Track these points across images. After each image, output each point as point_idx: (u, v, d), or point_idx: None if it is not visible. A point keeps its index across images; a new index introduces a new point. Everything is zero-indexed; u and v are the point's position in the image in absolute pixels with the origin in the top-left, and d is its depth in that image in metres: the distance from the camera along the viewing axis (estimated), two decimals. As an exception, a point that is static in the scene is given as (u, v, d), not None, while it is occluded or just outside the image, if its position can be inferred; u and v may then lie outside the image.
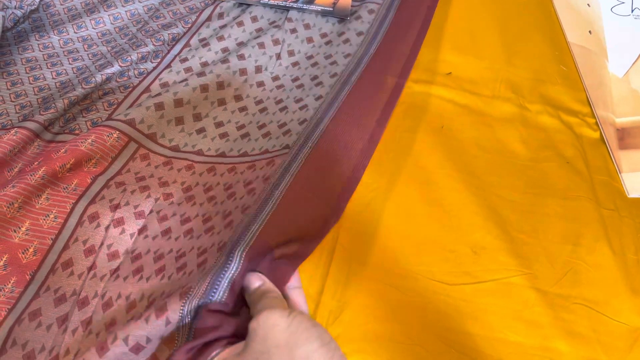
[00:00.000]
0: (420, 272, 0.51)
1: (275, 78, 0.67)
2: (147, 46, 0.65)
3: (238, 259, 0.41)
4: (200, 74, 0.64)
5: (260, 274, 0.42)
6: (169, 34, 0.67)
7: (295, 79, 0.67)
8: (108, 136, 0.55)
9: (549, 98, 0.67)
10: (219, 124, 0.61)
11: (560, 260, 0.52)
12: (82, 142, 0.54)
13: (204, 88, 0.63)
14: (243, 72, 0.65)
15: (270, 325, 0.34)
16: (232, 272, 0.41)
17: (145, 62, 0.65)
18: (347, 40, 0.71)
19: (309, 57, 0.70)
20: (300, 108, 0.63)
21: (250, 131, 0.61)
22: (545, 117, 0.65)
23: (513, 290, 0.50)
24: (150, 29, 0.67)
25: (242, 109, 0.63)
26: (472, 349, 0.47)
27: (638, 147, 0.62)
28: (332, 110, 0.60)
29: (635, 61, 0.70)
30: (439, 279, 0.51)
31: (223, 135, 0.60)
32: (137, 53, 0.64)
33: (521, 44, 0.73)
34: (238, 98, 0.64)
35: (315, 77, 0.67)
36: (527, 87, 0.68)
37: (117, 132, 0.56)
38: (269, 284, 0.41)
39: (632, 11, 0.76)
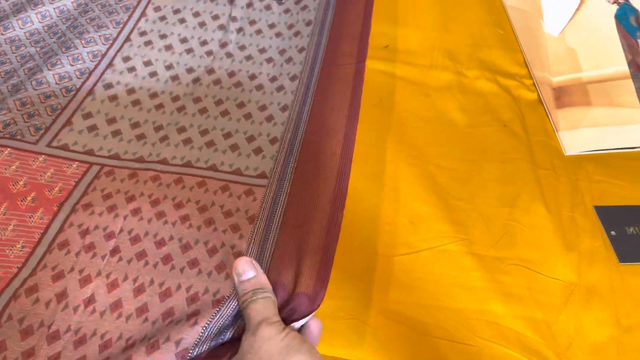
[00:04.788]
0: (360, 247, 0.52)
1: (231, 74, 0.66)
2: (77, 48, 0.64)
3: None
4: (153, 96, 0.62)
5: (253, 261, 0.44)
6: (100, 35, 0.66)
7: (253, 77, 0.65)
8: (67, 167, 0.54)
9: (486, 63, 0.67)
10: (181, 129, 0.60)
11: (497, 224, 0.53)
12: (41, 176, 0.53)
13: (159, 106, 0.61)
14: (196, 80, 0.64)
15: (266, 338, 0.38)
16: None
17: (84, 62, 0.64)
18: (297, 33, 0.70)
19: (262, 51, 0.68)
20: (267, 119, 0.61)
21: (215, 139, 0.59)
22: (483, 82, 0.65)
23: (450, 257, 0.51)
24: (79, 24, 0.66)
25: (202, 111, 0.62)
26: (410, 318, 0.47)
27: (574, 104, 0.63)
28: (302, 128, 0.59)
29: (571, 19, 0.70)
30: (378, 252, 0.51)
31: (187, 142, 0.58)
32: (68, 56, 0.63)
33: (458, 10, 0.73)
34: (197, 100, 0.63)
35: (274, 79, 0.65)
36: (464, 54, 0.68)
37: (77, 162, 0.55)
38: (262, 277, 0.43)
39: (568, -32, 0.75)
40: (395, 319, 0.47)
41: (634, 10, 0.71)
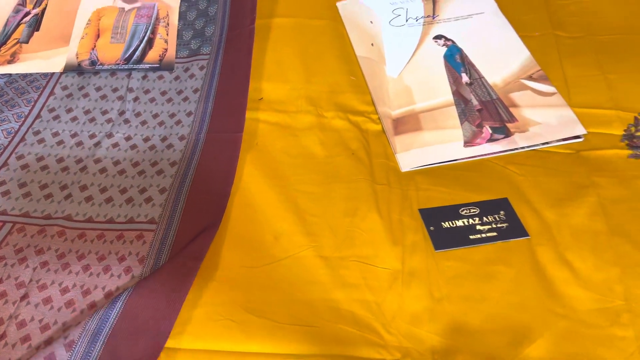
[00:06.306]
0: (231, 262, 0.64)
1: (128, 138, 0.78)
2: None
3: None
4: (59, 160, 0.73)
5: None
6: (13, 114, 0.78)
7: (147, 139, 0.77)
8: None
9: (340, 105, 0.82)
10: (83, 187, 0.71)
11: (341, 231, 0.66)
12: None
13: (65, 168, 0.73)
14: (97, 144, 0.76)
15: None
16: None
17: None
18: (186, 99, 0.83)
19: (155, 116, 0.81)
20: (157, 173, 0.72)
21: (112, 195, 0.70)
22: (338, 121, 0.80)
23: (303, 261, 0.63)
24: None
25: (102, 170, 0.73)
26: (271, 312, 0.59)
27: (409, 131, 0.78)
28: (189, 179, 0.71)
29: (408, 62, 0.86)
30: (246, 264, 0.63)
31: (88, 199, 0.70)
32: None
33: (318, 64, 0.88)
34: (97, 161, 0.75)
35: (165, 139, 0.77)
36: (323, 99, 0.83)
37: None
38: None
39: (407, 20, 0.92)
40: (260, 315, 0.59)
41: (459, 49, 0.88)
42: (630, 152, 0.74)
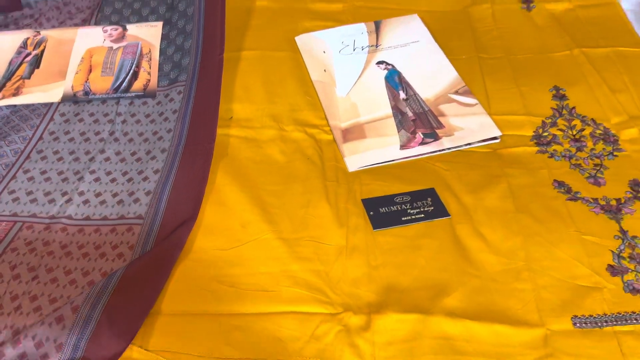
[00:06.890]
0: (205, 247, 0.77)
1: (118, 153, 0.92)
2: (2, 147, 0.90)
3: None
4: (60, 173, 0.87)
5: None
6: (19, 137, 0.92)
7: (134, 153, 0.91)
8: None
9: (299, 120, 0.97)
10: (81, 193, 0.85)
11: (297, 218, 0.80)
12: None
13: (65, 179, 0.87)
14: (92, 159, 0.89)
15: None
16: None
17: (8, 157, 0.89)
18: (166, 119, 0.98)
19: (140, 134, 0.95)
20: (144, 179, 0.87)
21: (106, 199, 0.84)
22: (296, 133, 0.94)
23: (265, 243, 0.77)
24: (4, 131, 0.93)
25: (97, 179, 0.88)
26: (239, 283, 0.73)
27: (355, 139, 0.93)
28: (169, 184, 0.85)
29: (355, 84, 1.02)
30: (218, 247, 0.77)
31: (86, 202, 0.84)
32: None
33: (280, 88, 1.03)
34: (92, 172, 0.89)
35: (149, 152, 0.91)
36: (284, 116, 0.98)
37: (4, 222, 0.80)
38: None
39: (354, 50, 1.09)
40: (230, 285, 0.73)
41: (397, 72, 1.04)
42: (537, 148, 0.90)
